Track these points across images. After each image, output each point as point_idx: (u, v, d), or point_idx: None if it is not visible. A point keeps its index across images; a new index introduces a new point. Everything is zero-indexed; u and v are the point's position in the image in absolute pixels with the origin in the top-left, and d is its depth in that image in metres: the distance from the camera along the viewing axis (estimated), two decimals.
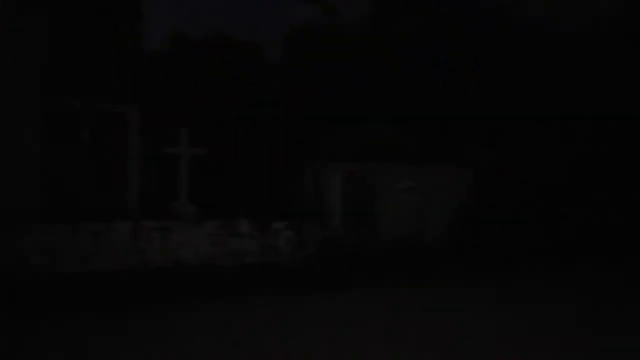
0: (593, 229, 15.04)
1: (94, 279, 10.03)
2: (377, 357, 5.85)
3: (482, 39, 20.59)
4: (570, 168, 15.89)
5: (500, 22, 21.43)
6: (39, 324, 7.35)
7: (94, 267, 10.27)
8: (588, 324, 7.46)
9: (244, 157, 13.16)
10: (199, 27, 15.63)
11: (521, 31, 20.64)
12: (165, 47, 14.78)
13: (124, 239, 10.59)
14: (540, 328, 7.11)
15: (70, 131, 11.98)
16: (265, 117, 13.91)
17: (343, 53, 19.50)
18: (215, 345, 6.23)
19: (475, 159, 14.79)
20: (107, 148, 12.10)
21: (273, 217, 11.27)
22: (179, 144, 11.96)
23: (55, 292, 9.26)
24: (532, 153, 15.82)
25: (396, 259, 12.48)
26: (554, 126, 16.55)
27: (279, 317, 7.70)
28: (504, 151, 15.27)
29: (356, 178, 13.25)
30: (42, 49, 11.12)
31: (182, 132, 11.97)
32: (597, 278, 11.23)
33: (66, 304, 8.56)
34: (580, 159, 16.31)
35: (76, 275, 10.01)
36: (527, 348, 6.20)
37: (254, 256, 11.10)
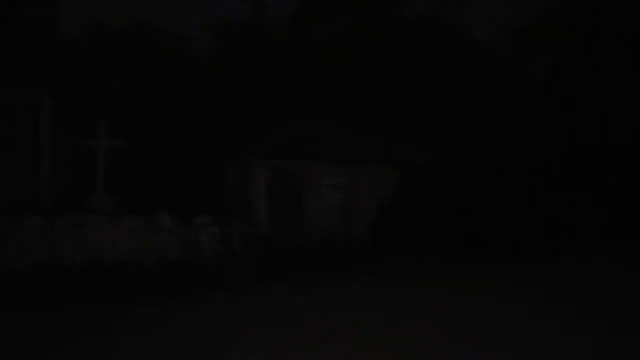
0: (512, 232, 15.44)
1: None
2: None
3: (408, 44, 20.98)
4: (496, 171, 16.37)
5: (424, 29, 21.96)
6: None
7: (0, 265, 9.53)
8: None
9: (167, 151, 12.68)
10: (121, 15, 14.99)
11: (445, 38, 21.22)
12: (84, 35, 14.03)
13: (35, 235, 9.91)
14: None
15: None
16: (190, 112, 13.48)
17: (269, 50, 19.30)
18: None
19: (403, 159, 14.94)
20: (17, 139, 11.32)
21: (197, 213, 10.87)
22: (96, 136, 11.36)
23: None
24: (458, 155, 16.19)
25: (320, 256, 12.36)
26: (482, 129, 17.03)
27: (194, 324, 7.26)
28: (431, 152, 15.52)
29: (282, 175, 13.07)
30: None
31: (100, 124, 11.38)
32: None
33: None
34: (504, 162, 16.86)
35: None
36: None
37: (176, 253, 10.64)
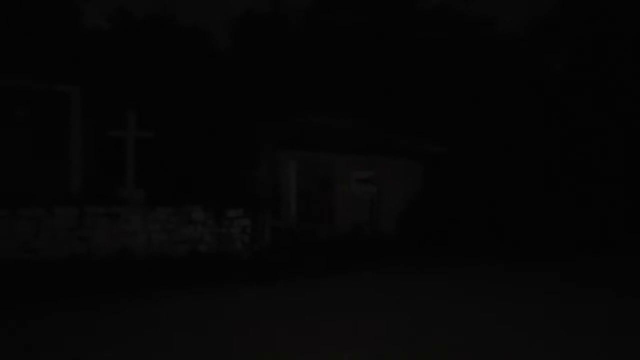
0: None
1: (32, 267, 9.28)
2: None
3: (427, 38, 20.83)
4: (513, 165, 16.28)
5: (442, 22, 21.80)
6: None
7: (33, 255, 9.51)
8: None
9: (196, 142, 12.60)
10: (144, 4, 14.86)
11: (463, 32, 21.08)
12: (109, 25, 13.94)
13: (67, 226, 9.86)
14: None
15: (4, 113, 11.07)
16: (217, 102, 13.39)
17: (287, 42, 19.20)
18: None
19: (427, 153, 14.85)
20: (48, 130, 11.25)
21: (228, 205, 10.81)
22: (125, 127, 11.28)
23: None
24: (479, 150, 16.11)
25: (348, 249, 12.30)
26: (501, 123, 16.94)
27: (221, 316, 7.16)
28: (453, 147, 15.42)
29: (311, 167, 12.99)
30: None
31: (129, 114, 11.29)
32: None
33: None
34: (521, 156, 16.78)
35: (14, 263, 9.24)
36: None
37: (207, 245, 10.61)
